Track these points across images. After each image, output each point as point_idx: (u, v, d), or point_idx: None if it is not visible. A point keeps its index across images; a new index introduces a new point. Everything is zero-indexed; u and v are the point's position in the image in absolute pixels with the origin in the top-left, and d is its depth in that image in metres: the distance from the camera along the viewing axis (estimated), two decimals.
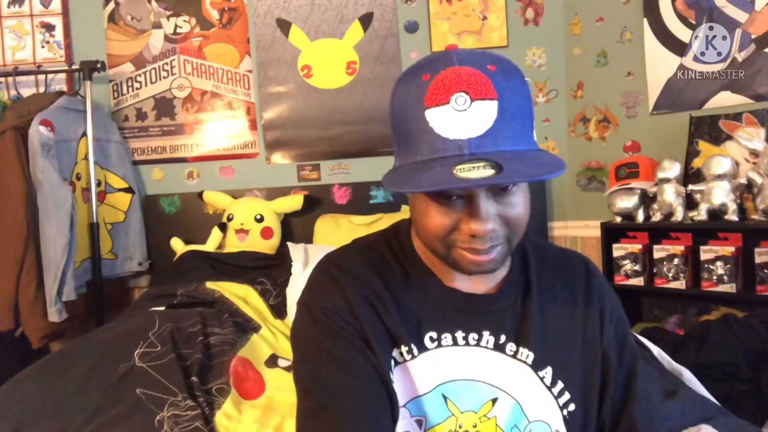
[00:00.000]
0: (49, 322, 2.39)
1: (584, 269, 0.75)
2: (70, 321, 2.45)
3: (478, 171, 0.55)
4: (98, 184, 2.71)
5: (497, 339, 0.70)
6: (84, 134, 2.66)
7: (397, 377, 0.68)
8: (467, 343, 0.69)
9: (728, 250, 2.03)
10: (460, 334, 0.69)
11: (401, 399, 0.68)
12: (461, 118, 0.58)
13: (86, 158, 2.66)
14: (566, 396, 0.69)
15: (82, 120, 2.64)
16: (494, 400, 0.69)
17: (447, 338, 0.69)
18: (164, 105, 2.99)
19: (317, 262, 0.75)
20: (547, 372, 0.69)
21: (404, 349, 0.69)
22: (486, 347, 0.70)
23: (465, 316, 0.70)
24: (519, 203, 0.63)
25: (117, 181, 2.87)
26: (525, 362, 0.69)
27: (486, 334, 0.70)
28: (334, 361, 0.65)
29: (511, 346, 0.70)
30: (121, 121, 2.98)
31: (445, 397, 0.68)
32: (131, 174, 2.93)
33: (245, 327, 1.93)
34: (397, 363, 0.69)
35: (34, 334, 2.41)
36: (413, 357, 0.68)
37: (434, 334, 0.69)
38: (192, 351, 1.71)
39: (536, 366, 0.70)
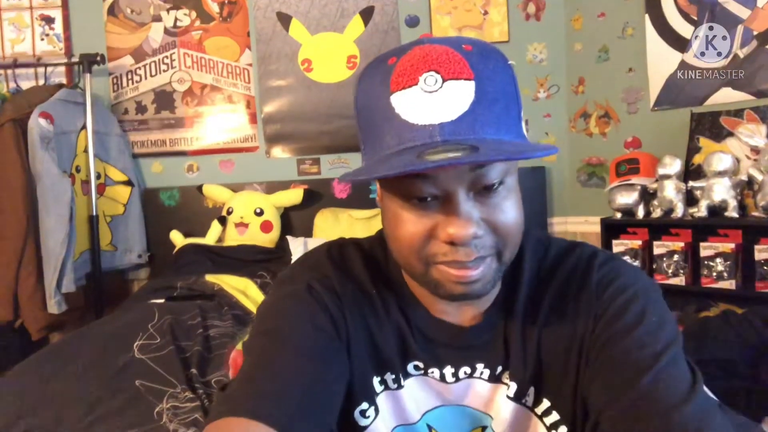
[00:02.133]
0: (49, 314, 2.39)
1: (584, 266, 0.61)
2: (69, 313, 2.45)
3: (450, 153, 0.47)
4: (98, 176, 2.71)
5: (493, 371, 0.62)
6: (83, 127, 2.65)
7: (384, 402, 0.64)
8: (457, 379, 0.63)
9: (728, 246, 2.03)
10: (449, 370, 0.63)
11: (390, 423, 0.64)
12: (431, 100, 0.49)
13: (86, 151, 2.66)
14: (554, 416, 0.62)
15: (82, 113, 2.63)
16: (483, 428, 0.64)
17: (434, 373, 0.63)
18: (164, 98, 2.97)
19: (323, 243, 0.69)
20: (530, 393, 0.62)
21: (390, 376, 0.63)
22: (480, 378, 0.63)
23: (454, 351, 0.62)
24: (507, 206, 0.53)
25: (117, 174, 2.87)
26: (508, 386, 0.62)
27: (480, 366, 0.62)
28: (290, 338, 0.57)
29: (502, 375, 0.63)
30: (120, 114, 2.97)
31: (429, 427, 0.64)
32: (131, 167, 2.93)
33: (244, 320, 1.93)
34: (386, 388, 0.64)
35: (34, 325, 2.41)
36: (399, 386, 0.63)
37: (420, 365, 0.63)
38: (191, 343, 1.71)
39: (520, 390, 0.62)
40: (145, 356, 1.65)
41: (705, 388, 0.54)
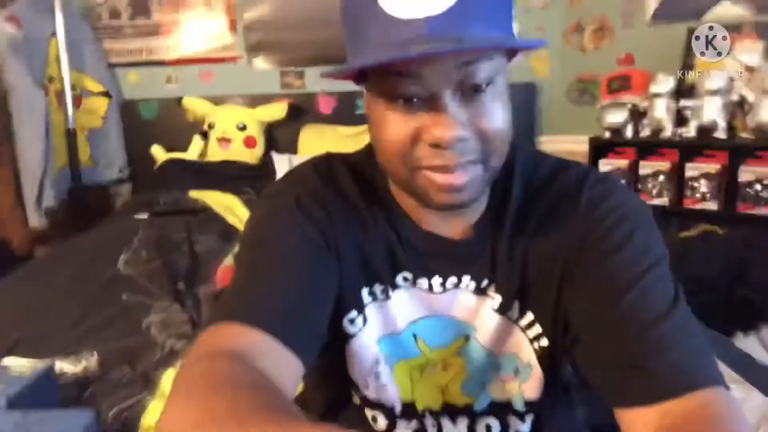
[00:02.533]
0: (32, 229, 2.38)
1: (574, 184, 0.61)
2: (53, 228, 2.44)
3: (435, 45, 0.46)
4: (73, 87, 2.60)
5: (479, 283, 0.63)
6: (54, 33, 2.51)
7: (372, 313, 0.64)
8: (444, 289, 0.64)
9: (714, 167, 2.03)
10: (437, 280, 0.63)
11: (377, 332, 0.65)
12: None
13: (58, 59, 2.53)
14: (536, 329, 0.63)
15: (51, 18, 2.48)
16: (467, 337, 0.65)
17: (422, 283, 0.63)
18: (139, 3, 2.81)
19: (310, 158, 0.67)
20: (515, 307, 0.63)
21: (379, 287, 0.64)
22: (466, 290, 0.63)
23: (443, 261, 0.63)
24: (495, 109, 0.52)
25: (93, 84, 2.75)
26: (493, 298, 0.63)
27: (467, 278, 0.63)
28: (280, 249, 0.57)
29: (488, 287, 0.64)
30: (93, 20, 2.80)
31: (415, 337, 0.65)
32: (107, 77, 2.81)
33: (231, 236, 1.93)
34: (375, 299, 0.64)
35: (17, 241, 2.40)
36: (387, 297, 0.64)
37: (409, 275, 0.63)
38: (178, 257, 1.72)
39: (505, 302, 0.63)
40: (131, 270, 1.65)
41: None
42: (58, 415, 1.12)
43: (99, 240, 1.93)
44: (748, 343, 1.37)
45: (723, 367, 0.76)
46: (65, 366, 1.29)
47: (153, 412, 1.15)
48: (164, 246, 1.79)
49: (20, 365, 1.25)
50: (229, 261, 1.71)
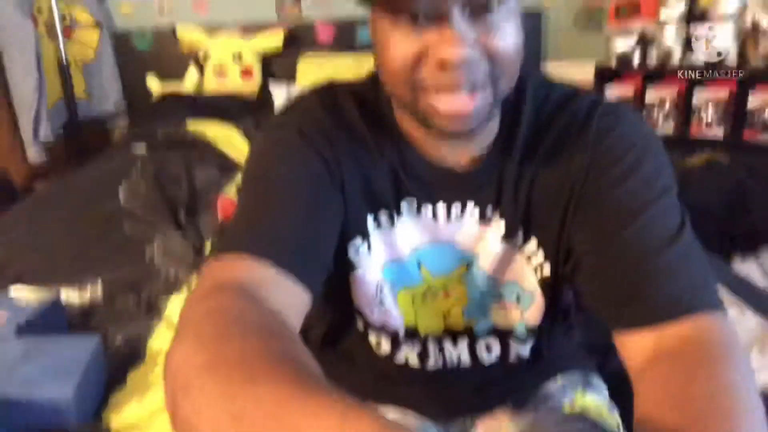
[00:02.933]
0: (30, 164, 2.37)
1: (585, 112, 0.59)
2: (52, 163, 2.43)
3: None
4: (63, 18, 2.52)
5: (483, 210, 0.62)
6: None
7: (377, 240, 0.64)
8: (449, 216, 0.63)
9: (722, 94, 1.99)
10: (441, 207, 0.63)
11: (381, 260, 0.65)
12: None
13: None
14: (539, 256, 0.63)
15: None
16: (468, 264, 0.65)
17: (427, 210, 0.63)
18: None
19: (312, 86, 0.65)
20: (519, 234, 0.63)
21: (384, 214, 0.63)
22: (471, 217, 0.63)
23: (448, 188, 0.62)
24: (506, 30, 0.50)
25: (83, 15, 2.66)
26: (498, 225, 0.63)
27: (471, 205, 0.62)
28: (284, 180, 0.56)
29: (493, 214, 0.63)
30: None
31: (419, 264, 0.65)
32: (98, 8, 2.72)
33: (230, 168, 1.92)
34: (379, 226, 0.64)
35: (17, 175, 2.40)
36: (392, 224, 0.63)
37: (414, 201, 0.63)
38: (177, 190, 1.71)
39: (509, 228, 0.63)
40: (132, 203, 1.65)
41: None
42: (66, 341, 1.15)
43: (98, 174, 1.92)
44: (746, 267, 1.38)
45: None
46: (71, 295, 1.31)
47: (160, 337, 1.18)
48: (163, 179, 1.78)
49: (27, 295, 1.27)
50: (229, 192, 1.71)
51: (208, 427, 0.34)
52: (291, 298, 0.51)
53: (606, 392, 0.74)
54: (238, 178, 1.86)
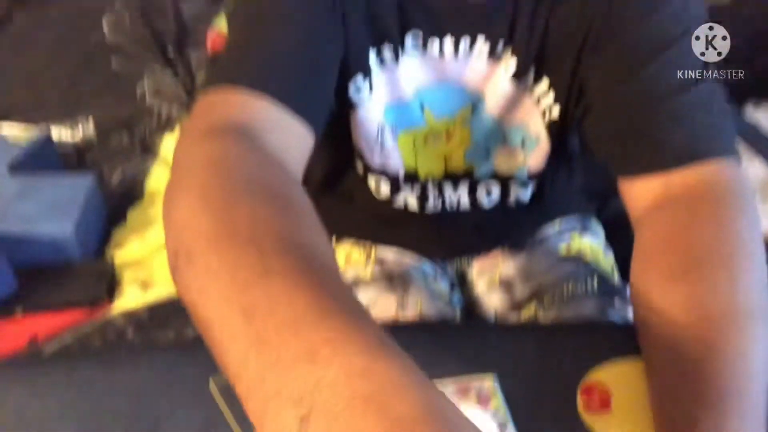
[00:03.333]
0: None
1: None
2: None
3: None
4: None
5: (494, 45, 0.58)
6: None
7: (380, 78, 0.59)
8: (456, 52, 0.58)
9: None
10: (449, 41, 0.58)
11: (384, 99, 0.61)
12: None
13: None
14: (549, 98, 0.59)
15: None
16: (473, 106, 0.62)
17: (434, 45, 0.58)
18: None
19: None
20: (530, 73, 0.59)
21: (388, 47, 0.58)
22: (480, 53, 0.58)
23: (457, 19, 0.57)
24: None
25: None
26: (508, 63, 0.58)
27: (481, 39, 0.57)
28: (280, 6, 0.51)
29: (504, 50, 0.58)
30: None
31: (422, 105, 0.61)
32: None
33: None
34: (383, 63, 0.59)
35: None
36: (396, 61, 0.58)
37: (420, 34, 0.57)
38: (164, 24, 1.61)
39: (520, 66, 0.58)
40: (117, 37, 1.56)
41: None
42: (61, 179, 1.14)
43: (78, 3, 1.79)
44: (759, 115, 1.34)
45: None
46: (63, 133, 1.28)
47: (156, 176, 1.17)
48: (148, 10, 1.66)
49: (16, 133, 1.23)
50: (219, 25, 1.60)
51: (215, 315, 0.28)
52: (294, 140, 0.47)
53: (603, 236, 0.75)
54: (229, 3, 1.75)
